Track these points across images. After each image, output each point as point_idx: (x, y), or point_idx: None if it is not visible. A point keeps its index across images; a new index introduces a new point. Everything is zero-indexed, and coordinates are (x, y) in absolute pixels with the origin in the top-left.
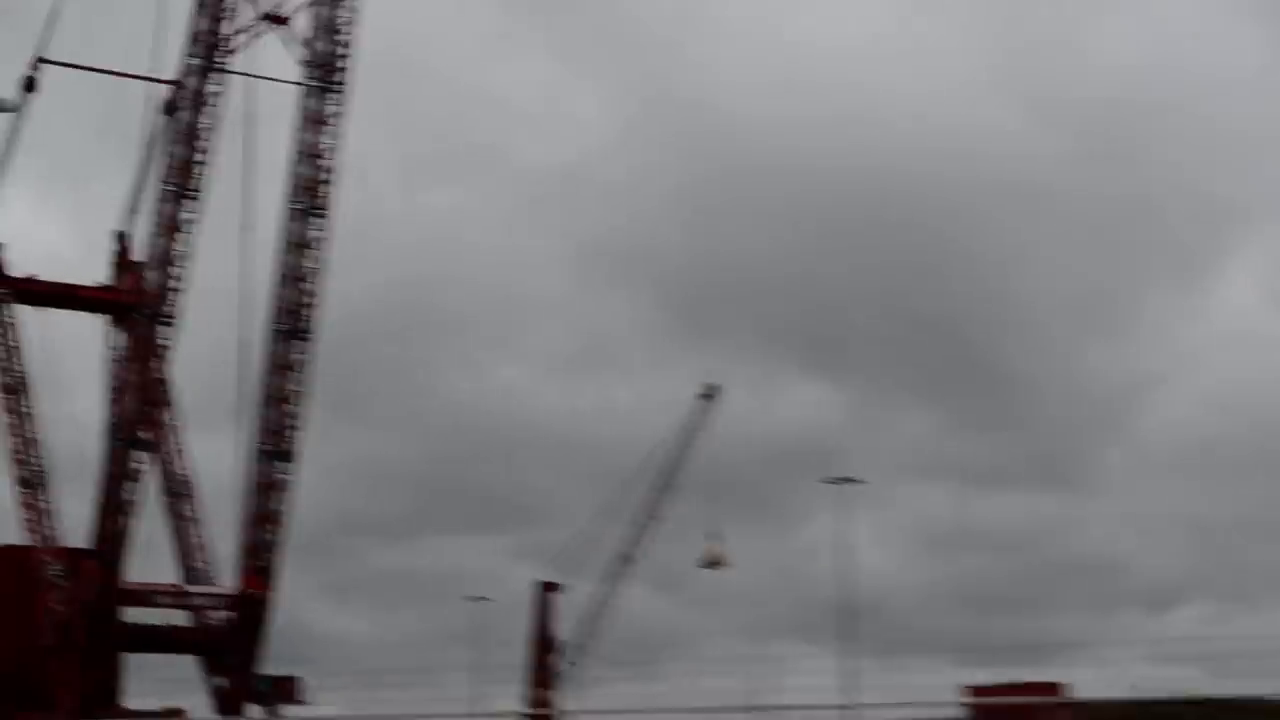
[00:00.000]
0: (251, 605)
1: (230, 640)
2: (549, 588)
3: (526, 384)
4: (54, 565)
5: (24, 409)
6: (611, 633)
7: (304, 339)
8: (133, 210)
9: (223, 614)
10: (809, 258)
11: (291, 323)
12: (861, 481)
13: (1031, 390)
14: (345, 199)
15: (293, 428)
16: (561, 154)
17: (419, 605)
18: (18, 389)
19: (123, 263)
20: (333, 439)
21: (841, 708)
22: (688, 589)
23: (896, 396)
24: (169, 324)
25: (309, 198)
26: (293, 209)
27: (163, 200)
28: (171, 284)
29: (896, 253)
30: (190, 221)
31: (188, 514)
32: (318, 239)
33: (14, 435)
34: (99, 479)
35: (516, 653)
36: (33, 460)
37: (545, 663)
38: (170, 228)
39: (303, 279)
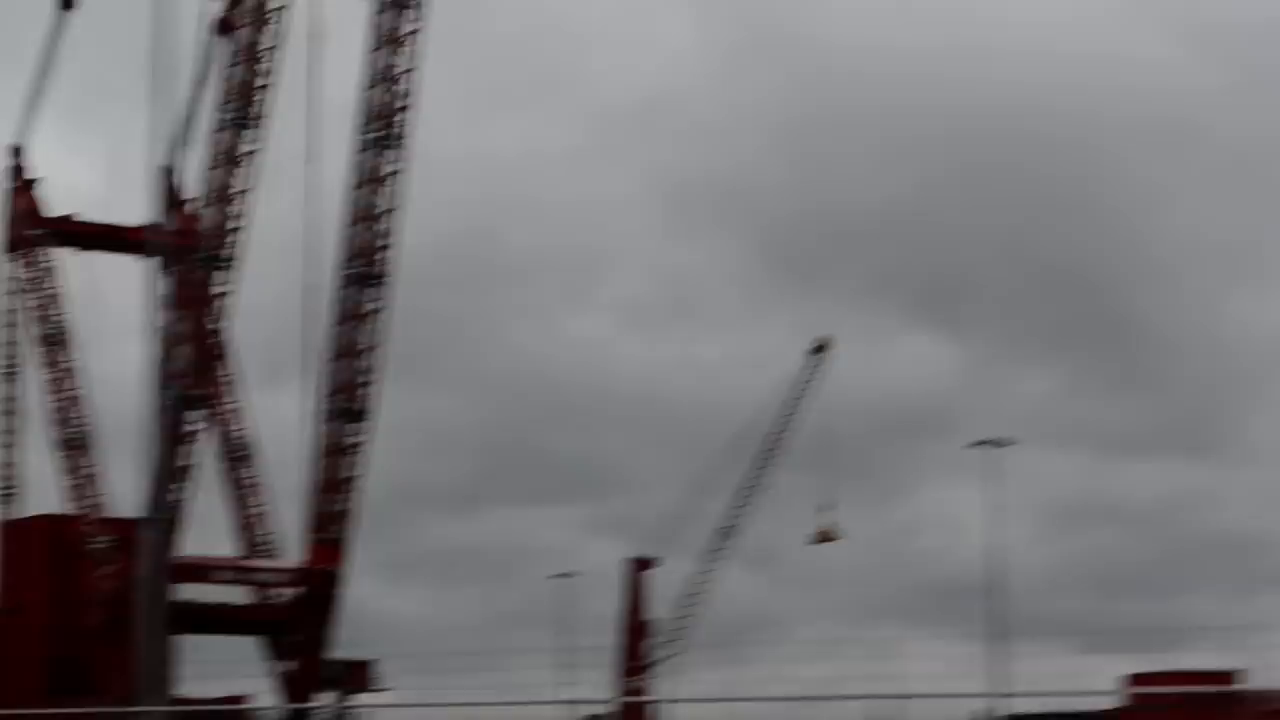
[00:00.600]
0: (320, 581)
1: (297, 620)
2: (641, 565)
3: (603, 339)
4: (100, 537)
5: (64, 363)
6: (708, 614)
7: (377, 284)
8: (182, 143)
9: (288, 591)
10: (923, 200)
11: (363, 267)
12: (1010, 443)
13: (1169, 347)
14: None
15: (365, 384)
16: (647, 85)
17: (484, 583)
18: (58, 341)
19: (171, 201)
20: (387, 400)
21: (984, 696)
22: (784, 566)
23: (1018, 353)
24: (226, 268)
25: (383, 126)
26: (364, 139)
27: (219, 129)
28: (229, 223)
29: (1020, 194)
30: (251, 153)
31: (248, 480)
32: (393, 173)
33: (54, 393)
34: (149, 441)
35: (598, 636)
36: (75, 420)
37: (637, 647)
38: (228, 160)
39: (376, 218)
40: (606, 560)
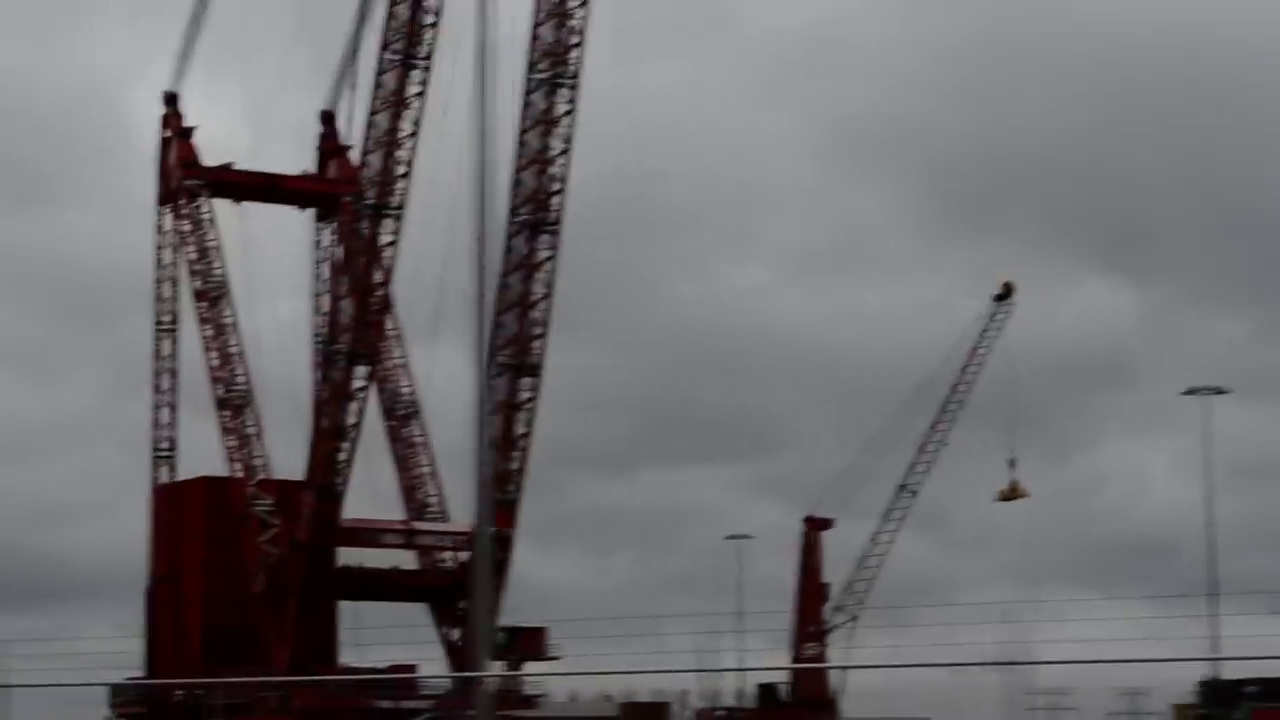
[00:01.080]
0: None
1: (465, 586)
2: (817, 525)
3: (763, 289)
4: (262, 499)
5: (223, 319)
6: (883, 576)
7: (550, 231)
8: (341, 86)
9: (457, 555)
10: (1106, 135)
11: (535, 213)
12: (1222, 391)
13: None
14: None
15: (536, 337)
16: (805, 15)
17: (640, 547)
18: (216, 295)
19: (329, 147)
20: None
21: (1199, 660)
22: (958, 526)
23: (1206, 299)
24: (393, 216)
25: (554, 65)
26: (535, 79)
27: (383, 70)
28: (395, 169)
29: (1211, 131)
30: (418, 95)
31: (414, 439)
32: (565, 113)
33: (212, 349)
34: (312, 399)
35: (766, 600)
36: (235, 378)
37: (813, 612)
38: (395, 102)
39: (548, 161)
40: (768, 521)
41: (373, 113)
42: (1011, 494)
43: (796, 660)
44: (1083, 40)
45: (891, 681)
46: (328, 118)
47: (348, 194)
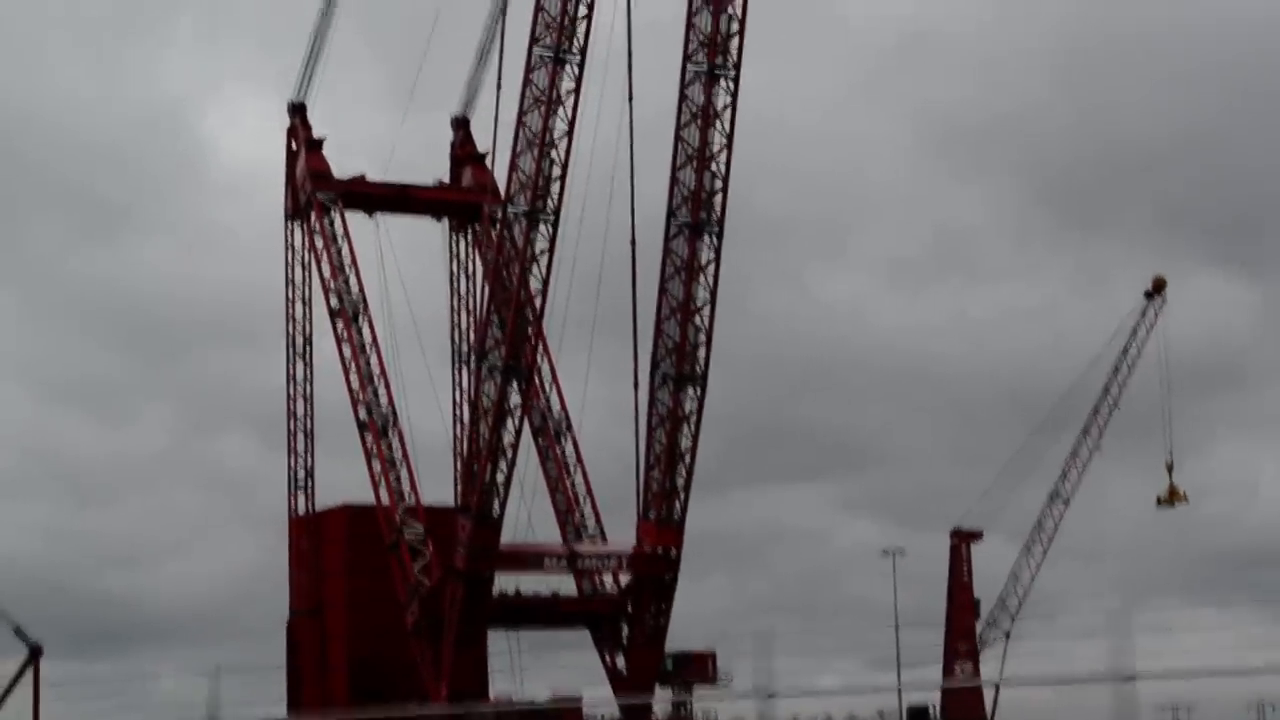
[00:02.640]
0: (657, 565)
1: (632, 609)
2: (965, 538)
3: (858, 298)
4: (412, 526)
5: (361, 337)
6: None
7: (713, 233)
8: (475, 90)
9: (620, 577)
10: (1219, 129)
11: (696, 214)
12: None
13: None
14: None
15: (700, 345)
16: (911, 18)
17: (733, 567)
18: (354, 312)
19: (463, 154)
20: (616, 369)
21: None
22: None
23: None
24: (548, 221)
25: (713, 55)
26: (692, 71)
27: (533, 67)
28: (551, 171)
29: None
30: (572, 91)
31: (565, 456)
32: (726, 107)
33: (352, 369)
34: (465, 419)
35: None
36: (376, 399)
37: (967, 628)
38: (547, 100)
39: (709, 158)
40: (864, 539)
41: (522, 112)
42: (1171, 498)
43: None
44: (1196, 36)
45: (1053, 697)
46: (460, 124)
47: (485, 202)
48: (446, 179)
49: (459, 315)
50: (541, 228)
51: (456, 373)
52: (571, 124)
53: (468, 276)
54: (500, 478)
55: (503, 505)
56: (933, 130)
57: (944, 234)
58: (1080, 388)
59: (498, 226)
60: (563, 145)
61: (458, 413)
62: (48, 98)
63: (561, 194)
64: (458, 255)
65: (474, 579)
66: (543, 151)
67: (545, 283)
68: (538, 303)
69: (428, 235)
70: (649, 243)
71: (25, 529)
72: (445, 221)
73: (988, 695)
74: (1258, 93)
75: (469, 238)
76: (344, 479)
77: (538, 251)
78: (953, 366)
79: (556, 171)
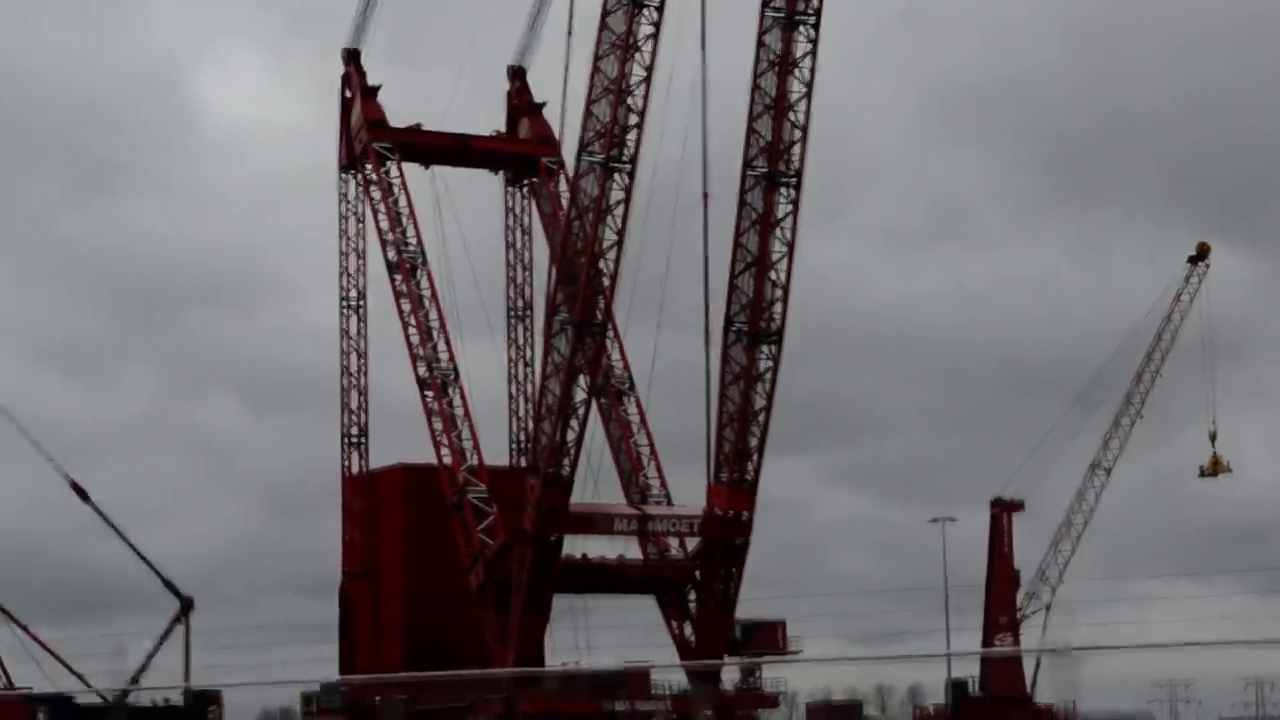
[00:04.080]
0: (729, 530)
1: (701, 575)
2: (1006, 508)
3: (852, 265)
4: (476, 486)
5: (420, 290)
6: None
7: (789, 184)
8: (532, 37)
9: (690, 542)
10: (1226, 96)
11: (773, 165)
12: None
13: None
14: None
15: (777, 300)
16: None
17: None
18: (413, 265)
19: (521, 105)
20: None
21: None
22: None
23: None
24: (623, 171)
25: (793, 1)
26: (770, 18)
27: (609, 10)
28: (628, 120)
29: None
30: (650, 37)
31: (630, 416)
32: (806, 55)
33: (411, 324)
34: (539, 375)
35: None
36: (437, 355)
37: (1007, 599)
38: (623, 46)
39: (787, 108)
40: (854, 513)
41: (598, 58)
42: (1214, 469)
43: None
44: None
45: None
46: (518, 73)
47: (544, 155)
48: (502, 130)
49: (515, 270)
50: (616, 178)
51: (512, 330)
52: (649, 71)
53: (524, 230)
54: (570, 437)
55: (573, 465)
56: (934, 95)
57: (941, 201)
58: (1109, 357)
59: (558, 178)
60: (640, 93)
61: (513, 370)
62: (37, 54)
63: (639, 143)
64: (513, 209)
65: (542, 541)
66: (619, 99)
67: (621, 235)
68: (616, 255)
69: (484, 188)
70: (722, 195)
71: (7, 495)
72: (501, 174)
73: (1027, 667)
74: (1267, 60)
75: (524, 191)
76: (388, 438)
77: (612, 202)
78: (948, 335)
79: (633, 119)
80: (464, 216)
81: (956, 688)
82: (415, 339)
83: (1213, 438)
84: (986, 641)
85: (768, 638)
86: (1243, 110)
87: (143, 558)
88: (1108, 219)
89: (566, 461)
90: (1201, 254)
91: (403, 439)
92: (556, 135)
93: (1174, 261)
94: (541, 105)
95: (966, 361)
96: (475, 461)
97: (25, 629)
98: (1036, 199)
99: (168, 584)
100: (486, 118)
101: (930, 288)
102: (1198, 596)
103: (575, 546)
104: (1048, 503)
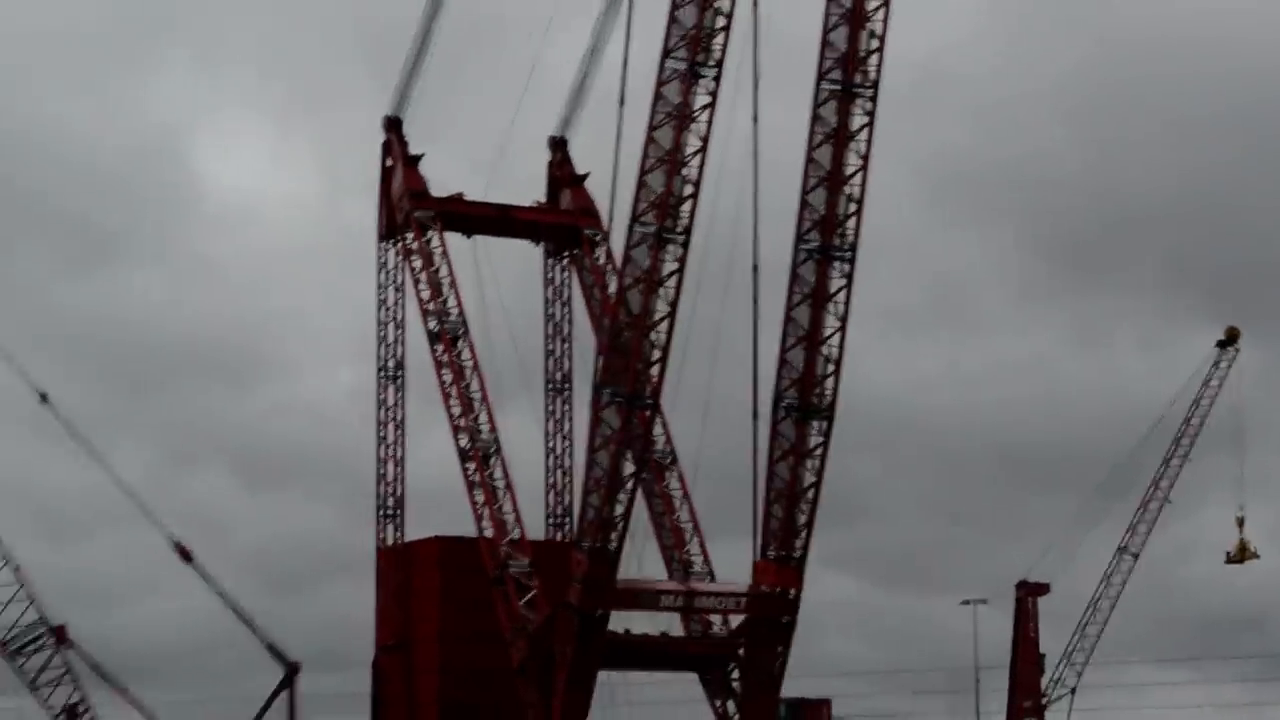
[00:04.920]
0: (776, 607)
1: (746, 652)
2: (1032, 590)
3: (849, 349)
4: (517, 560)
5: (463, 361)
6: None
7: (843, 258)
8: (576, 108)
9: (727, 618)
10: (1224, 182)
11: (826, 239)
12: None
13: None
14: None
15: (828, 375)
16: (915, 52)
17: None
18: (454, 335)
19: (562, 176)
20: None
21: None
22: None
23: None
24: (677, 242)
25: (850, 72)
26: (826, 89)
27: (664, 80)
28: (682, 190)
29: None
30: (706, 107)
31: (673, 491)
32: (863, 127)
33: (452, 394)
34: (586, 448)
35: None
36: (479, 426)
37: (1032, 684)
38: (680, 116)
39: (843, 180)
40: (838, 597)
41: (652, 127)
42: (1241, 555)
43: None
44: (1211, 72)
45: None
46: (559, 144)
47: (587, 226)
48: (542, 201)
49: (554, 342)
50: (670, 248)
51: (550, 402)
52: (705, 141)
53: (563, 302)
54: (618, 511)
55: (620, 540)
56: (928, 173)
57: (938, 283)
58: (1134, 444)
59: (600, 250)
60: (694, 163)
61: (550, 444)
62: (38, 123)
63: (693, 214)
64: (553, 280)
65: (588, 617)
66: (674, 169)
67: (674, 305)
68: (663, 327)
69: (522, 259)
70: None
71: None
72: (541, 246)
73: None
74: (1263, 147)
75: (564, 262)
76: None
77: (665, 274)
78: (943, 420)
79: (688, 190)
80: (503, 287)
81: None
82: (457, 410)
83: (1240, 523)
84: None
85: (812, 716)
86: (1246, 195)
87: (245, 621)
88: (1105, 304)
89: (614, 535)
90: (1231, 338)
91: (425, 511)
92: (604, 205)
93: (1174, 348)
94: (584, 176)
95: (960, 445)
96: (517, 534)
97: (124, 692)
98: (1034, 282)
99: (271, 648)
100: (525, 189)
101: (927, 371)
102: (1192, 683)
103: (616, 623)
104: (1061, 588)
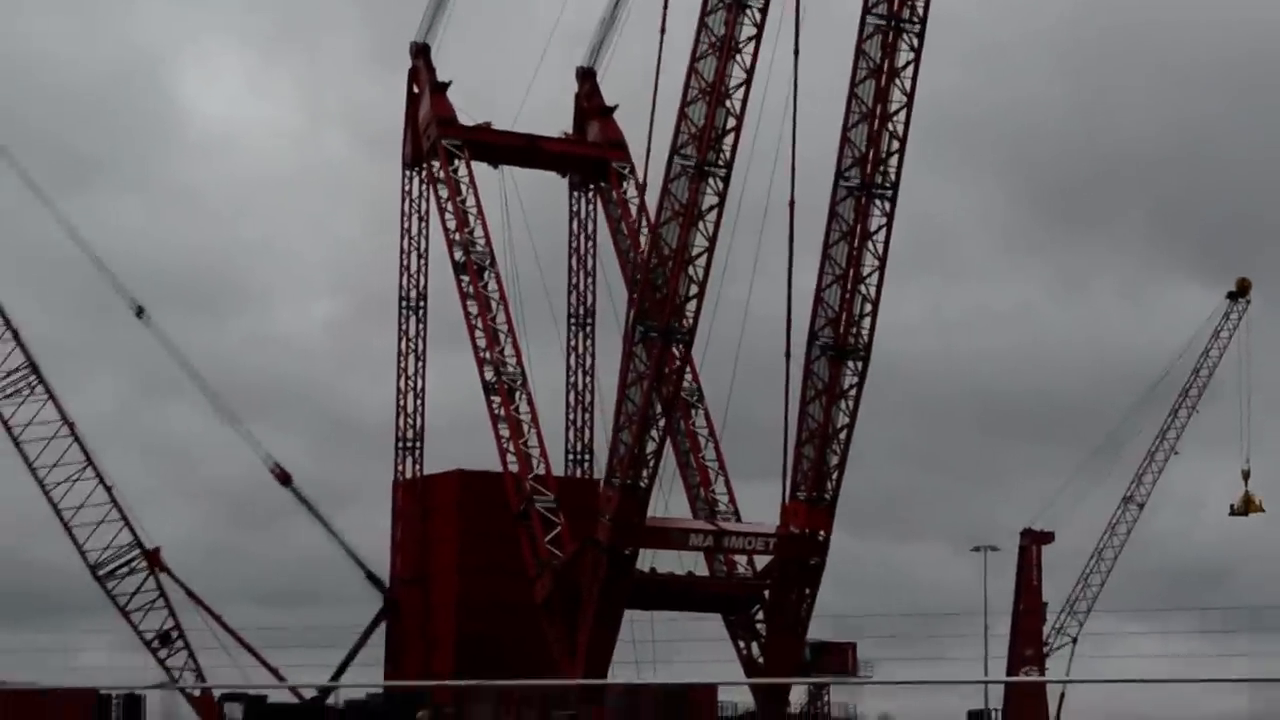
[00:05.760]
0: (805, 549)
1: (773, 594)
2: (1036, 538)
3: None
4: (543, 495)
5: (489, 292)
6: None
7: (884, 196)
8: (608, 39)
9: (758, 560)
10: (1221, 129)
11: (868, 175)
12: None
13: None
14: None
15: (865, 314)
16: None
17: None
18: (480, 266)
19: (591, 108)
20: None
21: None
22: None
23: None
24: (718, 176)
25: (898, 7)
26: (872, 23)
27: (709, 10)
28: (725, 123)
29: None
30: (752, 39)
31: (700, 430)
32: (908, 63)
33: (478, 326)
34: (619, 384)
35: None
36: (505, 359)
37: (1034, 633)
38: (725, 47)
39: (887, 116)
40: None
41: (696, 58)
42: (1246, 507)
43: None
44: (1204, 26)
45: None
46: (588, 75)
47: (614, 159)
48: (569, 132)
49: (578, 276)
50: (710, 182)
51: (573, 336)
52: (749, 74)
53: (588, 236)
54: (650, 448)
55: (651, 477)
56: (921, 120)
57: (919, 230)
58: (1109, 392)
59: (627, 183)
60: (737, 96)
61: (572, 379)
62: (18, 45)
63: (734, 148)
64: (578, 214)
65: (616, 554)
66: (717, 101)
67: (712, 241)
68: (700, 262)
69: (547, 191)
70: (810, 206)
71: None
72: (567, 178)
73: (1051, 701)
74: (1256, 96)
75: (589, 194)
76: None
77: (704, 208)
78: (923, 366)
79: (730, 123)
80: (529, 219)
81: (976, 717)
82: (482, 342)
83: (1245, 476)
84: (1012, 674)
85: (837, 660)
86: (1235, 148)
87: (347, 549)
88: (1091, 255)
89: (645, 473)
90: (1242, 290)
91: (443, 446)
92: (634, 137)
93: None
94: (613, 108)
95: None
96: (542, 470)
97: (219, 619)
98: (1019, 231)
99: (370, 577)
100: (552, 121)
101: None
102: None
103: (643, 562)
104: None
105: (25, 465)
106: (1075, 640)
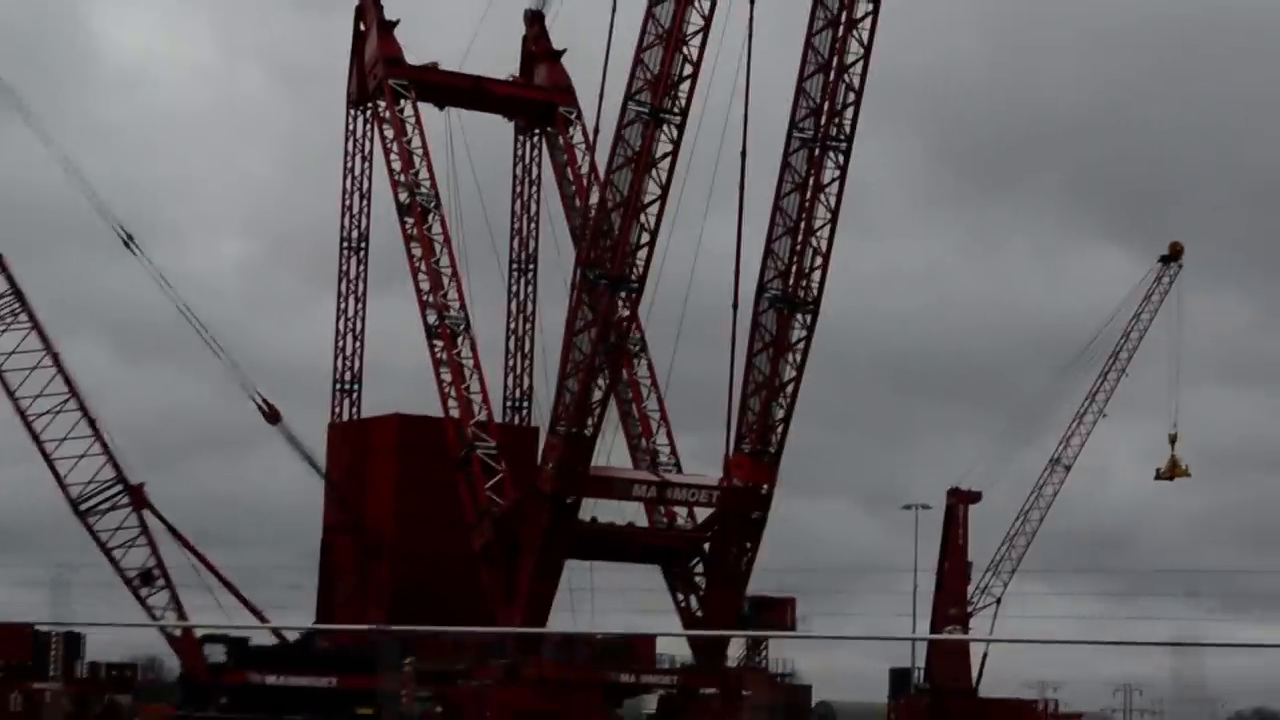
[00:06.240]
0: (747, 502)
1: (713, 547)
2: (964, 498)
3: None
4: (485, 441)
5: (433, 234)
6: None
7: (838, 149)
8: None
9: (698, 513)
10: (1141, 91)
11: (826, 127)
12: None
13: None
14: None
15: (817, 268)
16: None
17: None
18: (425, 208)
19: (538, 51)
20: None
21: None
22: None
23: (1216, 276)
24: (673, 123)
25: None
26: None
27: None
28: (681, 70)
29: (1256, 95)
30: None
31: (641, 377)
32: (867, 15)
33: (421, 269)
34: (564, 330)
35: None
36: (448, 303)
37: (959, 592)
38: None
39: (842, 69)
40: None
41: (653, 3)
42: (1171, 471)
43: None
44: None
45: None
46: (536, 18)
47: (562, 104)
48: (516, 75)
49: (521, 221)
50: (665, 129)
51: (514, 281)
52: (707, 20)
53: (532, 180)
54: (596, 396)
55: (596, 426)
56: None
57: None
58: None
59: (574, 128)
60: (694, 43)
61: (511, 324)
62: None
63: (690, 95)
64: (523, 158)
65: (559, 502)
66: (673, 47)
67: (665, 188)
68: (653, 210)
69: (492, 133)
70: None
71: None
72: (513, 123)
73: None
74: (1172, 62)
75: (534, 139)
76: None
77: (657, 155)
78: (831, 323)
79: (688, 70)
80: (475, 162)
81: (899, 676)
82: (425, 285)
83: (1173, 440)
84: (935, 632)
85: (777, 615)
86: (1154, 112)
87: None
88: (1008, 214)
89: (590, 421)
90: (1175, 254)
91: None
92: (582, 82)
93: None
94: (561, 52)
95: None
96: (484, 416)
97: (201, 557)
98: (935, 190)
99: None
100: (500, 63)
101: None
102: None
103: (584, 512)
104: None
105: (6, 393)
106: (999, 600)
